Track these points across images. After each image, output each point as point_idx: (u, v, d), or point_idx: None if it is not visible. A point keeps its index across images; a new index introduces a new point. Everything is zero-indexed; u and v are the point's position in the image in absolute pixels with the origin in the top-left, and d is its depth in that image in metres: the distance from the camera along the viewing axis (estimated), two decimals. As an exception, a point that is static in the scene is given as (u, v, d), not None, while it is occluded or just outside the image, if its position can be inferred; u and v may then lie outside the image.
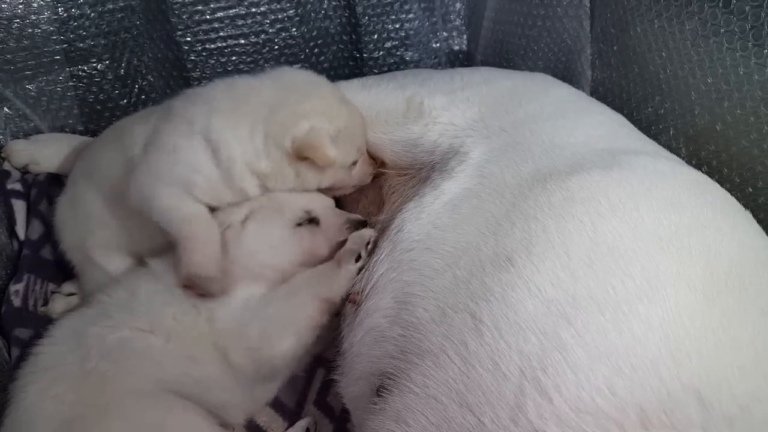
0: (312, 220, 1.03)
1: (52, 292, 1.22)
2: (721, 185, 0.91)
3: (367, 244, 0.97)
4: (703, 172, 0.95)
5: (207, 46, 1.48)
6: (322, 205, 1.07)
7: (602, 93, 1.25)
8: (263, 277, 0.99)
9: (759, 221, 0.86)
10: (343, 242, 1.01)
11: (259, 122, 1.00)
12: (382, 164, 1.17)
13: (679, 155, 1.03)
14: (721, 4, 0.92)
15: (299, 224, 1.01)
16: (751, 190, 0.94)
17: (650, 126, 1.11)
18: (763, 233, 0.84)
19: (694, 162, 1.01)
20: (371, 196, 1.18)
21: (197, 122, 1.00)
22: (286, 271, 1.00)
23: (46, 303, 1.21)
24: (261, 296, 0.97)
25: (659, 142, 1.05)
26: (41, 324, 1.16)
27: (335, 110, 1.05)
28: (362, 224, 1.05)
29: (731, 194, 0.90)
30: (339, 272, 0.95)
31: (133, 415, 0.85)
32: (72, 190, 1.18)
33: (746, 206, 0.88)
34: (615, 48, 1.19)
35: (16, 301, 1.17)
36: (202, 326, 0.94)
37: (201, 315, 0.95)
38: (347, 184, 1.12)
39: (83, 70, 1.45)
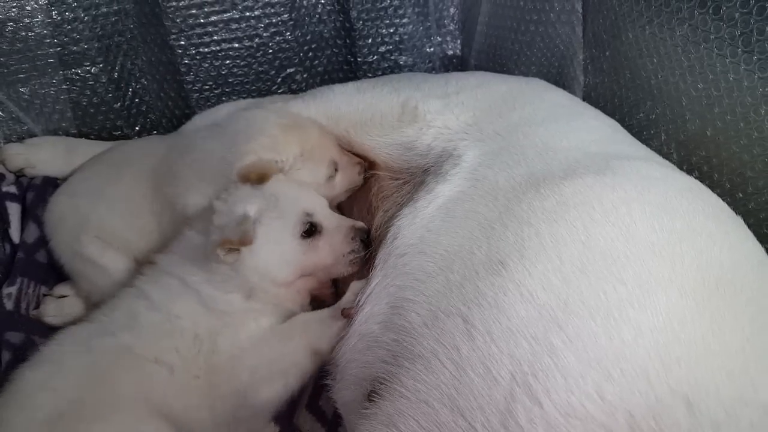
0: (314, 228, 1.00)
1: (44, 295, 1.22)
2: (712, 190, 0.92)
3: None
4: (693, 177, 0.96)
5: (201, 49, 1.48)
6: (321, 207, 1.05)
7: (594, 98, 1.26)
8: (268, 292, 0.97)
9: (749, 226, 0.87)
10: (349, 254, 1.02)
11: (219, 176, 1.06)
12: (373, 166, 1.17)
13: (670, 160, 1.03)
14: (711, 11, 0.92)
15: (303, 236, 0.99)
16: (741, 195, 0.95)
17: (642, 131, 1.12)
18: (755, 239, 0.85)
19: (684, 167, 1.02)
20: (361, 200, 1.19)
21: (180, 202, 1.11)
22: (292, 283, 0.99)
23: (38, 306, 1.20)
24: (265, 331, 0.96)
25: (651, 147, 1.05)
26: (33, 328, 1.16)
27: (282, 142, 1.08)
28: (366, 233, 1.04)
29: (721, 199, 0.90)
30: (335, 324, 0.94)
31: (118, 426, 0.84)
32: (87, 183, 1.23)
33: (736, 211, 0.88)
34: (607, 53, 1.20)
35: (9, 304, 1.17)
36: (200, 361, 0.92)
37: (202, 349, 0.93)
38: (336, 193, 1.15)
39: (77, 74, 1.45)
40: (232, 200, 0.97)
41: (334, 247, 1.01)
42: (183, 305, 0.94)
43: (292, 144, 1.09)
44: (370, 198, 1.15)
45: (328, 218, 1.04)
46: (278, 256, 0.96)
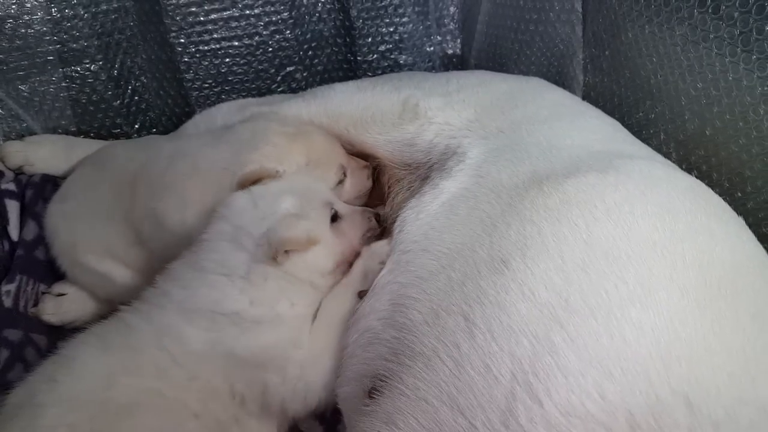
0: (336, 215, 1.00)
1: (43, 293, 1.22)
2: (711, 190, 0.92)
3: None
4: (692, 176, 0.96)
5: (200, 47, 1.48)
6: (333, 196, 1.05)
7: (594, 97, 1.26)
8: (318, 287, 0.96)
9: (748, 225, 0.87)
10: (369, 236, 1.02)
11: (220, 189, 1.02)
12: (376, 159, 1.18)
13: (669, 159, 1.03)
14: (710, 10, 0.93)
15: (331, 222, 0.99)
16: (740, 194, 0.95)
17: (641, 130, 1.12)
18: (755, 239, 0.85)
19: (684, 166, 1.02)
20: (374, 191, 1.19)
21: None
22: (333, 272, 0.98)
23: (36, 304, 1.21)
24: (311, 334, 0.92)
25: (650, 147, 1.05)
26: (31, 325, 1.16)
27: (286, 151, 1.06)
28: (376, 214, 1.05)
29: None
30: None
31: None
32: (75, 198, 1.20)
33: (735, 211, 0.89)
34: (606, 53, 1.20)
35: (7, 302, 1.17)
36: (237, 409, 0.89)
37: (245, 399, 0.88)
38: (345, 199, 1.13)
39: (76, 71, 1.44)
40: (260, 205, 0.95)
41: (355, 228, 1.01)
42: (210, 363, 0.87)
43: (297, 154, 1.07)
44: (382, 185, 1.15)
45: (341, 206, 1.04)
46: (322, 247, 0.95)
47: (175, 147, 1.15)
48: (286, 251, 0.90)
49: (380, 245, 0.96)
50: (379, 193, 1.17)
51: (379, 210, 1.09)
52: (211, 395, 0.87)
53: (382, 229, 1.05)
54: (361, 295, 0.94)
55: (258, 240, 0.91)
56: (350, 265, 1.01)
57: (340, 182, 1.13)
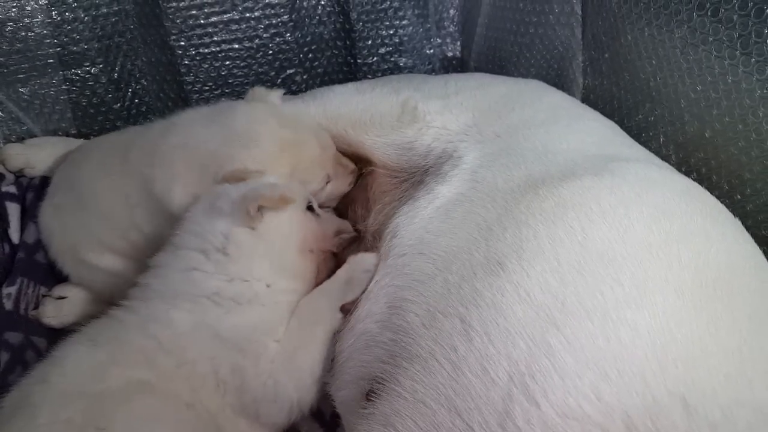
0: (312, 208, 1.03)
1: (43, 296, 1.22)
2: (710, 192, 0.92)
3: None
4: (692, 179, 0.96)
5: (201, 50, 1.48)
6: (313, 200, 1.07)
7: (593, 100, 1.26)
8: (287, 261, 0.96)
9: (747, 228, 0.87)
10: (340, 242, 1.04)
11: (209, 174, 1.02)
12: (370, 164, 1.17)
13: (669, 162, 1.03)
14: (709, 13, 0.93)
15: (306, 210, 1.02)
16: (739, 197, 0.95)
17: (641, 133, 1.12)
18: (752, 241, 0.85)
19: (683, 169, 1.02)
20: (358, 196, 1.18)
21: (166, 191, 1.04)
22: (304, 252, 0.99)
23: (37, 307, 1.21)
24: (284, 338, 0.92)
25: (649, 149, 1.05)
26: (32, 328, 1.16)
27: (275, 161, 1.05)
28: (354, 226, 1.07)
29: (720, 201, 0.91)
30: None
31: None
32: (65, 196, 1.20)
33: (734, 213, 0.88)
34: (606, 55, 1.20)
35: (8, 304, 1.18)
36: (227, 400, 0.89)
37: (227, 388, 0.89)
38: (320, 202, 1.12)
39: (77, 74, 1.45)
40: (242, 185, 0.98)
41: (328, 223, 1.04)
42: (197, 346, 0.88)
43: (284, 165, 1.06)
44: (367, 194, 1.15)
45: (318, 208, 1.06)
46: (292, 214, 0.97)
47: (171, 120, 1.14)
48: (260, 208, 0.91)
49: (367, 255, 0.96)
50: (363, 199, 1.17)
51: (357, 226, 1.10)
52: (199, 383, 0.87)
53: (357, 238, 1.06)
54: (345, 309, 0.93)
55: (235, 199, 0.93)
56: (325, 258, 1.02)
57: (321, 189, 1.12)
